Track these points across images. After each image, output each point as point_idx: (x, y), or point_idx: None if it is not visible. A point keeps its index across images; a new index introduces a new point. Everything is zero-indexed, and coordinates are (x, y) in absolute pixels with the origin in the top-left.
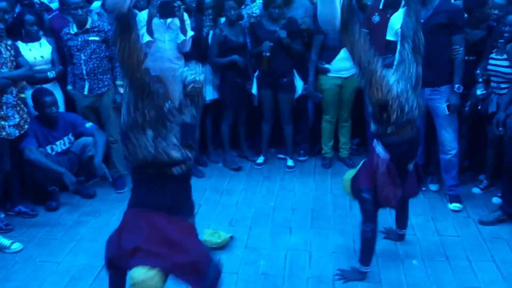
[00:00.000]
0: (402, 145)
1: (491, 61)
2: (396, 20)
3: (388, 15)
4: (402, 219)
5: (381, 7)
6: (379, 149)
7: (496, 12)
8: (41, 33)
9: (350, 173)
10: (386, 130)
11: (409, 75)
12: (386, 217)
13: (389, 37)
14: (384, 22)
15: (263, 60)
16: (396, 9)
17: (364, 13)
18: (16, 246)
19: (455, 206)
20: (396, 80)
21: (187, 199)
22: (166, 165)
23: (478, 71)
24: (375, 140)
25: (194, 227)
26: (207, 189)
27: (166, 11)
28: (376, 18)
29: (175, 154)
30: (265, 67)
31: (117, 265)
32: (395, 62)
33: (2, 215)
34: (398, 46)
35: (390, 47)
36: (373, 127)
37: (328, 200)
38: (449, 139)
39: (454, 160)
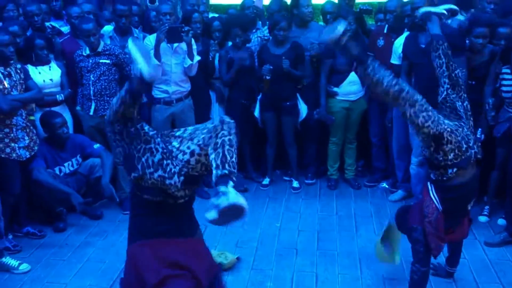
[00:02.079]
0: (464, 187)
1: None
2: (400, 44)
3: (392, 39)
4: (454, 257)
5: (385, 31)
6: (433, 196)
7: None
8: (51, 56)
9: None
10: (446, 173)
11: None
12: None
13: (394, 60)
14: (389, 46)
15: (264, 83)
16: (400, 33)
17: (369, 37)
18: (24, 267)
19: None
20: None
21: (190, 220)
22: (170, 196)
23: (490, 100)
24: (429, 184)
25: (202, 240)
26: None
27: (174, 36)
28: (380, 42)
29: (179, 194)
30: (266, 89)
31: None
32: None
33: (10, 236)
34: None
35: (394, 70)
36: (432, 175)
37: (334, 221)
38: None
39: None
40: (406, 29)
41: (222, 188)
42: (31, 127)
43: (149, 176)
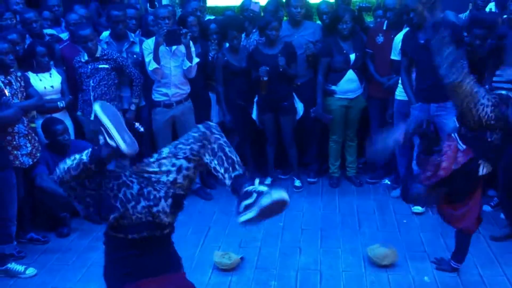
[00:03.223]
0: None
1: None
2: (400, 40)
3: (392, 36)
4: (460, 253)
5: (385, 28)
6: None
7: None
8: (51, 63)
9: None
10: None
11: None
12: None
13: (394, 56)
14: (388, 43)
15: (262, 85)
16: (399, 30)
17: (367, 34)
18: (31, 271)
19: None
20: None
21: (175, 253)
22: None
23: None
24: (454, 135)
25: (185, 277)
26: (216, 211)
27: (172, 39)
28: (380, 38)
29: (166, 219)
30: (264, 91)
31: None
32: None
33: (15, 242)
34: None
35: (394, 66)
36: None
37: (336, 219)
38: None
39: None
40: (405, 26)
41: (251, 187)
42: (33, 134)
43: (131, 211)
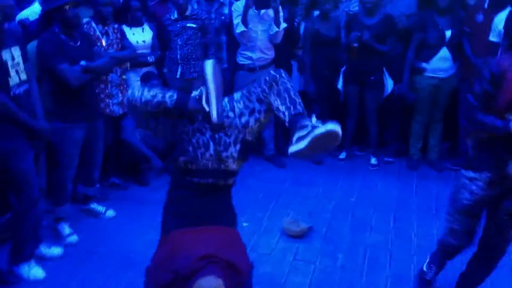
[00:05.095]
0: None
1: None
2: (501, 20)
3: (493, 15)
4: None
5: (486, 6)
6: None
7: None
8: (144, 19)
9: None
10: None
11: None
12: None
13: (492, 38)
14: (488, 22)
15: (352, 51)
16: (502, 9)
17: (466, 11)
18: (110, 213)
19: None
20: None
21: (232, 209)
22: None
23: None
24: None
25: (239, 235)
26: (288, 179)
27: (262, 2)
28: (479, 17)
29: (233, 166)
30: (354, 57)
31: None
32: None
33: (97, 186)
34: None
35: (492, 48)
36: None
37: (412, 202)
38: None
39: None
40: (510, 5)
41: (307, 122)
42: (125, 85)
43: (200, 157)
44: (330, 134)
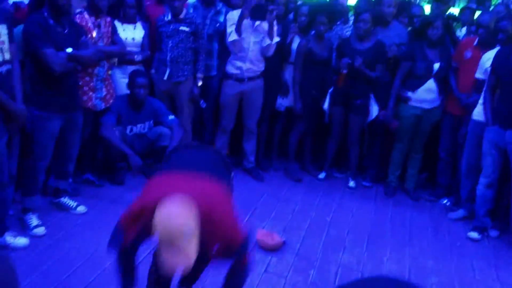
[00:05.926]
0: None
1: None
2: (488, 59)
3: (481, 53)
4: None
5: (475, 44)
6: None
7: None
8: (138, 17)
9: None
10: None
11: None
12: None
13: (478, 75)
14: (476, 59)
15: (340, 77)
16: (491, 47)
17: (456, 47)
18: (81, 208)
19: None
20: None
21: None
22: None
23: None
24: None
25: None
26: (265, 193)
27: (258, 13)
28: (468, 54)
29: None
30: (341, 84)
31: None
32: None
33: (70, 180)
34: None
35: (477, 85)
36: None
37: (387, 227)
38: None
39: None
40: (498, 45)
41: None
42: (110, 81)
43: None
44: None
